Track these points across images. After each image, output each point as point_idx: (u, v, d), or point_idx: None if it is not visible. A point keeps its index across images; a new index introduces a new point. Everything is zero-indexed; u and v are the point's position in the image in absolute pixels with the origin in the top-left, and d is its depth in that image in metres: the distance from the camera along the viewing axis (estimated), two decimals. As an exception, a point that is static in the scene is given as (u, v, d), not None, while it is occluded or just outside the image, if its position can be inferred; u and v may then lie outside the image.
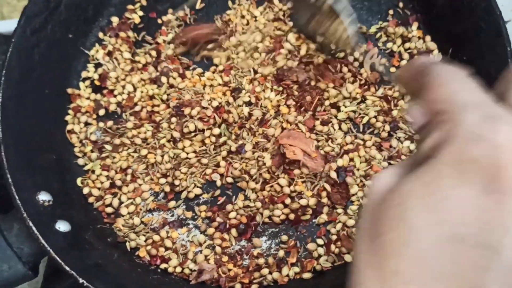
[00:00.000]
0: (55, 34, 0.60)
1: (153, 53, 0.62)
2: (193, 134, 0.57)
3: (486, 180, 0.20)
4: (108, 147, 0.58)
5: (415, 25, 0.60)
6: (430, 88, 0.24)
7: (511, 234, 0.20)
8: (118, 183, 0.57)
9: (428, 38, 0.59)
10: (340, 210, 0.54)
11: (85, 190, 0.57)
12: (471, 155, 0.20)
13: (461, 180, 0.20)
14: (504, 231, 0.20)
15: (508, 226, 0.20)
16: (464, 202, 0.20)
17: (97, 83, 0.62)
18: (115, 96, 0.61)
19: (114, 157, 0.58)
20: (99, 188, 0.57)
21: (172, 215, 0.56)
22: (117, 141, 0.58)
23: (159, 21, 0.64)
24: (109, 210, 0.56)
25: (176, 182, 0.56)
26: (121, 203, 0.56)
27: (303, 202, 0.54)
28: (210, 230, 0.55)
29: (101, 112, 0.60)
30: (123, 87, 0.61)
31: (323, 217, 0.54)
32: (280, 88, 0.58)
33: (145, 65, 0.62)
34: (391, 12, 0.62)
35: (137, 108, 0.60)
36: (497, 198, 0.20)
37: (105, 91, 0.62)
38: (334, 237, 0.53)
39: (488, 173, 0.20)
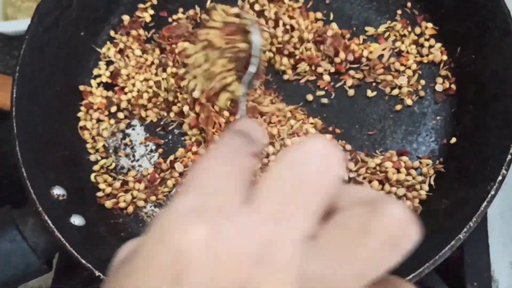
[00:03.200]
0: (67, 32, 0.60)
1: (157, 50, 0.63)
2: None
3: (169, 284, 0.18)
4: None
5: (423, 24, 0.61)
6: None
7: None
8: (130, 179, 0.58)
9: (438, 45, 0.60)
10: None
11: (101, 186, 0.57)
12: (157, 256, 0.18)
13: (147, 282, 0.18)
14: None
15: None
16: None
17: (108, 80, 0.62)
18: (125, 93, 0.62)
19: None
20: (110, 185, 0.58)
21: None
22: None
23: (170, 19, 0.65)
24: (122, 205, 0.57)
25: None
26: (133, 198, 0.57)
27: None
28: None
29: (113, 109, 0.61)
30: (133, 84, 0.62)
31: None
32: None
33: (152, 63, 0.63)
34: (399, 12, 0.62)
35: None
36: None
37: (116, 88, 0.62)
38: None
39: (172, 281, 0.18)
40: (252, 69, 0.50)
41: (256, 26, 0.50)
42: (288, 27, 0.60)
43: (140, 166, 0.59)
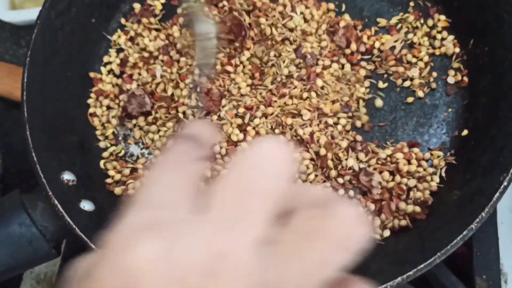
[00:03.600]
0: (79, 18, 0.60)
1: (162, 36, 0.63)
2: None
3: None
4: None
5: (436, 16, 0.61)
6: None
7: None
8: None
9: (450, 37, 0.60)
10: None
11: (110, 173, 0.57)
12: (103, 279, 0.17)
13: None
14: None
15: None
16: None
17: (117, 68, 0.62)
18: (135, 80, 0.61)
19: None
20: (119, 172, 0.57)
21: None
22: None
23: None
24: (131, 192, 0.56)
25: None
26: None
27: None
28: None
29: (122, 97, 0.61)
30: (139, 73, 0.62)
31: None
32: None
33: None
34: (411, 4, 0.62)
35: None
36: None
37: (124, 76, 0.62)
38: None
39: None
40: (203, 59, 0.50)
41: (201, 14, 0.50)
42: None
43: (149, 154, 0.59)
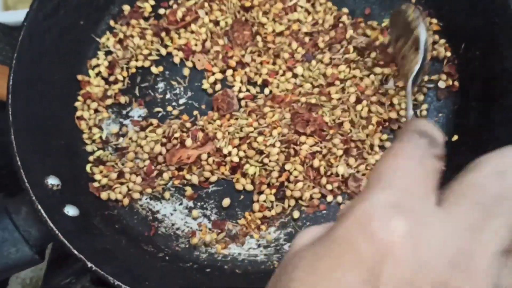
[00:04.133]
0: (67, 20, 0.59)
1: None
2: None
3: (365, 274, 0.19)
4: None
5: (428, 20, 0.60)
6: (386, 152, 0.23)
7: None
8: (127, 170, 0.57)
9: (442, 41, 0.59)
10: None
11: (97, 177, 0.56)
12: (357, 243, 0.19)
13: (343, 265, 0.19)
14: None
15: None
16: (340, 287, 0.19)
17: (105, 71, 0.61)
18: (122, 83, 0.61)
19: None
20: (106, 176, 0.57)
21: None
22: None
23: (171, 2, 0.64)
24: (119, 196, 0.56)
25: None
26: (129, 190, 0.56)
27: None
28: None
29: (108, 101, 0.60)
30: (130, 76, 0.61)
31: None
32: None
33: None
34: (403, 7, 0.61)
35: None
36: None
37: (111, 78, 0.61)
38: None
39: (369, 267, 0.19)
40: (419, 64, 0.50)
41: (421, 19, 0.50)
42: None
43: (136, 158, 0.58)
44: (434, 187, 0.21)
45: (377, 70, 0.58)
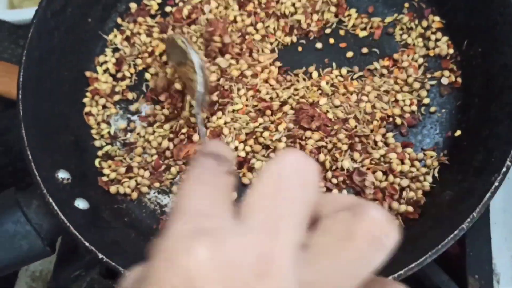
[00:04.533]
0: (75, 17, 0.61)
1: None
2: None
3: None
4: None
5: (430, 17, 0.61)
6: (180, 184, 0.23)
7: None
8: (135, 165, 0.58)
9: (445, 38, 0.60)
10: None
11: (105, 171, 0.57)
12: (168, 279, 0.19)
13: None
14: None
15: None
16: None
17: (113, 68, 0.63)
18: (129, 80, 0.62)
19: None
20: (114, 171, 0.58)
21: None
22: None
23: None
24: (128, 190, 0.57)
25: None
26: (137, 184, 0.57)
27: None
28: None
29: (116, 97, 0.61)
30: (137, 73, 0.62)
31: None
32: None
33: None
34: (406, 5, 0.62)
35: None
36: None
37: (119, 75, 0.62)
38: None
39: None
40: (199, 88, 0.52)
41: (191, 46, 0.53)
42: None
43: (144, 153, 0.59)
44: (229, 203, 0.22)
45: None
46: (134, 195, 0.57)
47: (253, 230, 0.20)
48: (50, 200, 0.49)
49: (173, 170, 0.57)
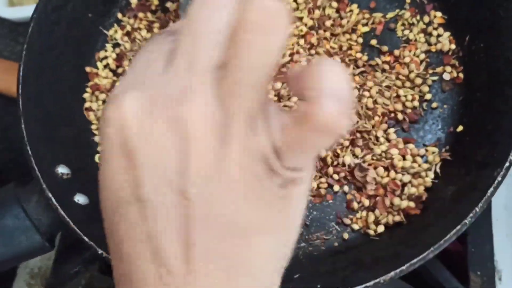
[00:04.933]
0: (76, 12, 0.60)
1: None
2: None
3: (122, 160, 0.21)
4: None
5: (432, 13, 0.61)
6: None
7: (152, 183, 0.21)
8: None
9: (446, 34, 0.60)
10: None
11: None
12: (105, 133, 0.22)
13: (106, 158, 0.22)
14: (144, 182, 0.22)
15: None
16: (112, 176, 0.22)
17: (113, 63, 0.62)
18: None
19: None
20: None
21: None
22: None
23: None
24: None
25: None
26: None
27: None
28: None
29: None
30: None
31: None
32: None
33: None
34: (408, 0, 0.62)
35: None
36: (132, 165, 0.21)
37: (119, 70, 0.62)
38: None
39: (122, 152, 0.21)
40: None
41: None
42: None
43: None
44: (166, 54, 0.23)
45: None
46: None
47: (177, 68, 0.22)
48: (50, 195, 0.48)
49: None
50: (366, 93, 0.57)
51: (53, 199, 0.48)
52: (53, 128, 0.55)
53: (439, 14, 0.61)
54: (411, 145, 0.55)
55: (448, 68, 0.58)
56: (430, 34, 0.60)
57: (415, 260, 0.43)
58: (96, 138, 0.59)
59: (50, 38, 0.57)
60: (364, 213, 0.54)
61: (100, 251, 0.47)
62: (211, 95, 0.21)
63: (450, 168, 0.54)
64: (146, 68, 0.23)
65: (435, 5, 0.61)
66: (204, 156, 0.20)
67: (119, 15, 0.64)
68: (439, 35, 0.60)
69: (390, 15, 0.61)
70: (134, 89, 0.22)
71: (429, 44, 0.60)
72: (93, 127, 0.60)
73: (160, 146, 0.21)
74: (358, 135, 0.56)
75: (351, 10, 0.62)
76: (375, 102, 0.57)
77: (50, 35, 0.57)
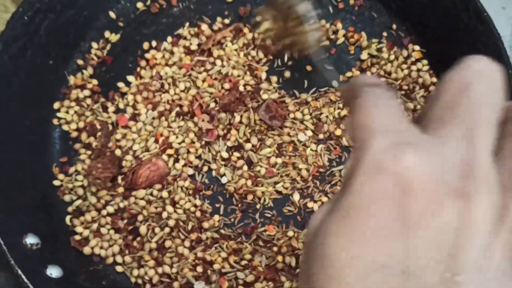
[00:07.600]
0: (35, 60, 0.56)
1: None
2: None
3: (396, 212, 0.20)
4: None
5: (410, 47, 0.60)
6: (353, 111, 0.23)
7: (424, 258, 0.20)
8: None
9: (425, 61, 0.59)
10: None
11: (78, 229, 0.53)
12: (376, 187, 0.20)
13: (372, 213, 0.20)
14: (416, 256, 0.20)
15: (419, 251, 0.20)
16: (378, 233, 0.20)
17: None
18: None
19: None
20: (87, 228, 0.53)
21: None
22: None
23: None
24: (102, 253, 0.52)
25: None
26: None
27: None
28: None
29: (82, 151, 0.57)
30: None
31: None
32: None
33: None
34: (385, 34, 0.61)
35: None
36: (409, 227, 0.20)
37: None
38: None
39: (396, 203, 0.20)
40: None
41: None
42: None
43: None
44: (409, 121, 0.23)
45: None
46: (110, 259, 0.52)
47: (450, 140, 0.21)
48: (19, 271, 0.44)
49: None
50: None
51: (23, 276, 0.44)
52: (17, 193, 0.50)
53: (417, 47, 0.60)
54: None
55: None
56: (410, 69, 0.59)
57: None
58: (66, 198, 0.54)
59: (7, 91, 0.52)
60: None
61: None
62: (495, 180, 0.20)
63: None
64: (394, 124, 0.22)
65: (412, 38, 0.60)
66: (479, 244, 0.20)
67: (80, 62, 0.60)
68: (418, 70, 0.59)
69: (373, 49, 0.60)
70: (408, 147, 0.20)
71: (411, 78, 0.58)
72: (62, 185, 0.54)
73: (443, 221, 0.20)
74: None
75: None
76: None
77: (8, 88, 0.53)
